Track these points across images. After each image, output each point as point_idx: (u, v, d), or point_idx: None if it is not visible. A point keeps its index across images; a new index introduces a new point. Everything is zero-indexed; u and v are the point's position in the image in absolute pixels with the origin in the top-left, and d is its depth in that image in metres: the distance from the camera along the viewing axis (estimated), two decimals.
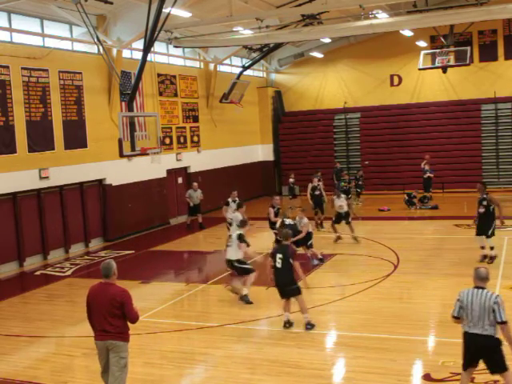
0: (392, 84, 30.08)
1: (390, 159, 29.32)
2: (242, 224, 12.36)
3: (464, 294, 7.01)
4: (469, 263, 14.56)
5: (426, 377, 8.16)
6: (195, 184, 21.73)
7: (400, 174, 28.75)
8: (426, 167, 24.82)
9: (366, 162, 29.71)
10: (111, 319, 6.98)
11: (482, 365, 7.02)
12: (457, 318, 7.01)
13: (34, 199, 17.65)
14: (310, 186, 20.09)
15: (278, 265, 10.12)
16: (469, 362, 6.99)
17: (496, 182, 27.81)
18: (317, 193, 19.82)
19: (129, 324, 7.16)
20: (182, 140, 24.64)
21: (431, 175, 24.78)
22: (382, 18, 19.87)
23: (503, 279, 12.73)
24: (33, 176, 17.31)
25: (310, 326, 10.20)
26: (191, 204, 21.41)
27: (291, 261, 10.01)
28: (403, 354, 8.97)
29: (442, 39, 24.69)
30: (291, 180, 25.35)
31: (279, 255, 10.15)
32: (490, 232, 14.23)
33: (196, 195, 21.27)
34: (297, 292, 10.15)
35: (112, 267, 7.12)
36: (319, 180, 20.47)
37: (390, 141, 29.43)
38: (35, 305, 13.04)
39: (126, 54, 20.92)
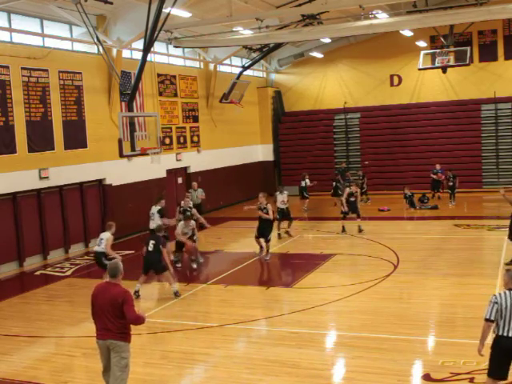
0: (392, 84, 30.08)
1: (390, 159, 29.32)
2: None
3: (502, 297, 6.73)
4: (469, 263, 14.63)
5: (426, 377, 8.16)
6: (194, 184, 21.72)
7: (400, 174, 28.75)
8: (438, 167, 25.28)
9: (366, 162, 29.71)
10: (112, 319, 7.01)
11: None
12: (491, 321, 6.74)
13: (34, 199, 17.64)
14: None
15: (150, 248, 12.64)
16: (501, 367, 6.73)
17: (496, 182, 27.79)
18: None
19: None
20: (181, 140, 24.65)
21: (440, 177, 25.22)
22: (382, 18, 19.87)
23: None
24: (33, 176, 17.31)
25: (177, 294, 12.75)
26: (192, 204, 21.34)
27: (161, 247, 12.60)
28: (403, 354, 8.96)
29: (442, 39, 24.67)
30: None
31: (152, 241, 12.70)
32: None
33: (196, 195, 21.24)
34: (163, 269, 12.64)
35: (119, 268, 7.20)
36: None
37: (390, 141, 29.42)
38: (35, 305, 13.04)
39: (125, 54, 20.92)
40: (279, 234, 18.98)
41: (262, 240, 16.17)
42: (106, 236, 13.26)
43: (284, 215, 18.92)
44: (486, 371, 6.93)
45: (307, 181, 24.49)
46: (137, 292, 12.73)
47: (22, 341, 10.69)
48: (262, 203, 16.30)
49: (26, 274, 16.48)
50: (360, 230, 18.97)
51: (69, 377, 8.90)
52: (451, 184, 24.07)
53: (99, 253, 13.23)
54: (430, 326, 10.50)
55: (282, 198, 18.88)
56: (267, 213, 16.20)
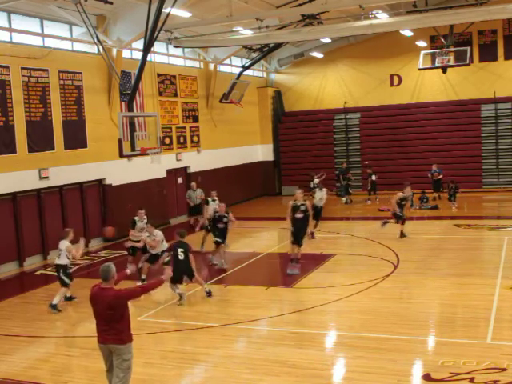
0: (392, 84, 30.08)
1: (390, 159, 29.33)
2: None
3: None
4: (469, 263, 14.63)
5: (426, 377, 8.16)
6: (193, 184, 21.76)
7: (400, 174, 28.73)
8: (435, 167, 25.21)
9: (366, 162, 29.71)
10: (109, 323, 7.01)
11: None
12: None
13: (34, 199, 17.65)
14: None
15: (181, 257, 12.21)
16: None
17: (496, 182, 27.83)
18: None
19: (130, 324, 7.20)
20: (181, 140, 24.65)
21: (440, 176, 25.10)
22: (382, 17, 19.88)
23: (503, 279, 12.74)
24: (33, 176, 17.31)
25: (208, 293, 12.57)
26: (191, 204, 21.45)
27: (189, 254, 12.23)
28: (403, 354, 8.96)
29: (442, 39, 24.69)
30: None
31: (180, 249, 12.24)
32: None
33: (195, 195, 21.29)
34: (194, 275, 12.38)
35: (111, 271, 7.09)
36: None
37: (390, 141, 29.44)
38: (35, 305, 13.03)
39: (125, 53, 20.92)
40: (312, 233, 17.88)
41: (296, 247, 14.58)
42: (64, 245, 12.31)
43: (316, 213, 17.69)
44: None
45: (316, 180, 24.51)
46: (182, 295, 12.31)
47: (22, 341, 10.69)
48: (299, 200, 14.27)
49: (26, 273, 16.48)
50: (402, 235, 17.94)
51: (69, 377, 8.90)
52: (451, 193, 24.07)
53: (59, 265, 12.37)
54: (429, 326, 10.50)
55: (321, 195, 18.56)
56: (305, 212, 14.17)
